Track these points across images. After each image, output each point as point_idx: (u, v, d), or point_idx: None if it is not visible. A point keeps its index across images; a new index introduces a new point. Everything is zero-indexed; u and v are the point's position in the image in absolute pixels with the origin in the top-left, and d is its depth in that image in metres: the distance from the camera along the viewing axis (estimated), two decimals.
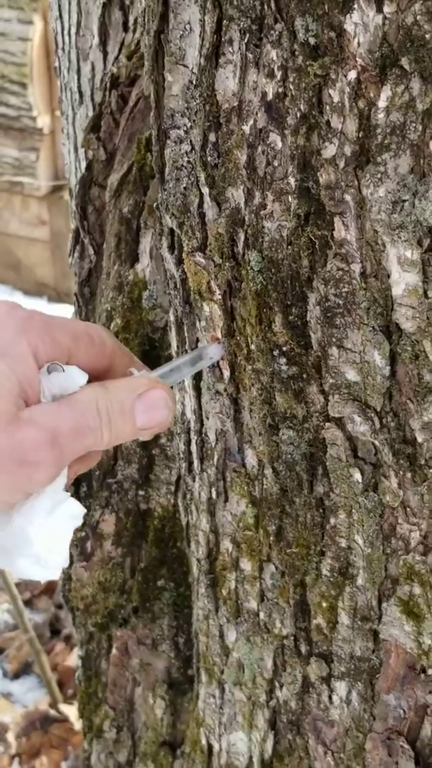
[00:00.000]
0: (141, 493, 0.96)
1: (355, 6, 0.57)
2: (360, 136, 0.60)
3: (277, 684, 0.84)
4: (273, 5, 0.61)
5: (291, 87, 0.62)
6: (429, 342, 0.63)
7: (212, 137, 0.69)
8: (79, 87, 1.04)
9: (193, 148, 0.71)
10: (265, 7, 0.61)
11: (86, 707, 1.09)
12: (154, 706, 1.02)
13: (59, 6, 1.04)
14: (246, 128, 0.66)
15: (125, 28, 0.97)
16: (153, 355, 0.95)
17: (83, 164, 0.99)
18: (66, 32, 1.04)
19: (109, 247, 0.94)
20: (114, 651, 1.04)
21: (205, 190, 0.70)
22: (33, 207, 4.02)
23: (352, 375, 0.68)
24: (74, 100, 1.06)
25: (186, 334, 0.79)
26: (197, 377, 0.79)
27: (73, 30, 1.02)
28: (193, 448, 0.83)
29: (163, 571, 0.97)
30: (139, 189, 0.90)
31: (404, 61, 0.57)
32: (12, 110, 3.76)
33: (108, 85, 0.94)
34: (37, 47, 3.70)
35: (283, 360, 0.70)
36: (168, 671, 1.01)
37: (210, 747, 0.93)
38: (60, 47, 1.07)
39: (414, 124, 0.58)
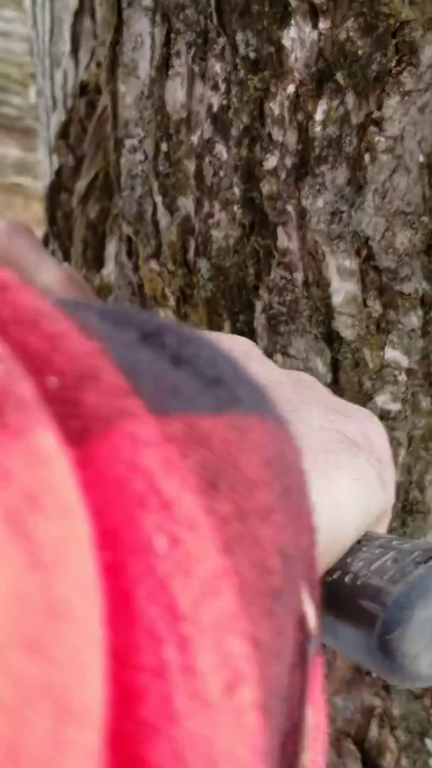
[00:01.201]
0: None
1: (292, 22, 0.58)
2: (299, 148, 0.62)
3: None
4: (215, 20, 0.62)
5: (234, 100, 0.63)
6: (368, 350, 0.64)
7: (164, 147, 0.70)
8: (53, 93, 1.06)
9: (146, 158, 0.72)
10: (209, 21, 0.63)
11: None
12: None
13: (34, 13, 1.06)
14: (194, 139, 0.67)
15: (95, 37, 0.99)
16: None
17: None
18: (40, 39, 1.06)
19: (76, 252, 0.96)
20: None
21: (158, 199, 0.72)
22: (35, 208, 4.04)
23: None
24: (48, 106, 1.07)
25: None
26: None
27: (47, 37, 1.04)
28: None
29: None
30: (104, 195, 0.92)
31: (339, 76, 0.58)
32: (14, 110, 3.79)
33: (78, 92, 0.96)
34: None
35: None
36: None
37: None
38: (35, 53, 1.08)
39: (349, 138, 0.59)
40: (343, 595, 0.35)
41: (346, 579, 0.34)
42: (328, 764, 0.77)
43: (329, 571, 0.35)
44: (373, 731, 0.77)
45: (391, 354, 0.64)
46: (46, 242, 0.99)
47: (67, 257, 0.98)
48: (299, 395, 0.40)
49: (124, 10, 0.70)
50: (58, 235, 0.97)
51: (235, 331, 0.70)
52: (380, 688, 0.76)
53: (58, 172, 0.98)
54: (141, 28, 0.68)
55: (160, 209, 0.72)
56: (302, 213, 0.63)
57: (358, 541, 0.36)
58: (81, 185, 0.94)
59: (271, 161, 0.63)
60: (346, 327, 0.65)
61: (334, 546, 0.35)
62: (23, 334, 0.21)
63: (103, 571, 0.19)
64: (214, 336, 0.48)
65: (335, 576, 0.35)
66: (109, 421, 0.21)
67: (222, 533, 0.21)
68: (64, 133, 0.97)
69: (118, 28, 0.70)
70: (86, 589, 0.18)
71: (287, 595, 0.23)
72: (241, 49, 0.61)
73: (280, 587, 0.23)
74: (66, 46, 1.04)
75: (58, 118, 1.07)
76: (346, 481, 0.35)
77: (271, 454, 0.24)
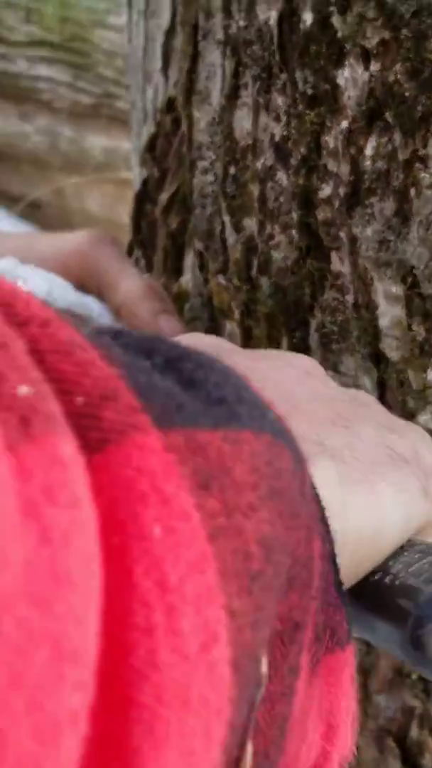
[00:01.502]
0: None
1: (346, 63, 0.62)
2: (352, 179, 0.66)
3: None
4: (278, 57, 0.66)
5: (294, 131, 0.68)
6: (412, 371, 0.68)
7: (232, 170, 0.75)
8: (144, 107, 1.11)
9: (216, 179, 0.77)
10: (272, 58, 0.67)
11: None
12: None
13: (129, 30, 1.11)
14: (258, 165, 0.72)
15: None
16: None
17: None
18: (134, 54, 1.11)
19: (158, 261, 1.01)
20: None
21: (226, 219, 0.77)
22: None
23: None
24: (139, 119, 1.13)
25: None
26: None
27: (140, 53, 1.09)
28: None
29: None
30: (184, 209, 0.97)
31: (387, 115, 0.62)
32: (128, 105, 3.87)
33: (165, 107, 1.01)
34: None
35: None
36: None
37: None
38: (129, 68, 1.14)
39: (396, 173, 0.63)
40: (382, 595, 0.39)
41: (386, 580, 0.38)
42: (369, 760, 0.82)
43: (372, 573, 0.39)
44: (414, 731, 0.81)
45: None
46: (130, 250, 1.04)
47: (149, 264, 1.04)
48: (354, 412, 0.45)
49: (199, 42, 0.75)
50: (142, 243, 1.03)
51: (292, 346, 0.74)
52: (420, 690, 0.80)
53: (145, 183, 1.04)
54: (213, 59, 0.73)
55: (228, 228, 0.77)
56: (353, 240, 0.67)
57: (401, 547, 0.40)
58: (164, 197, 1.00)
59: (326, 190, 0.67)
60: (391, 349, 0.68)
61: (376, 551, 0.40)
62: (60, 361, 0.26)
63: (111, 553, 0.24)
64: (275, 354, 0.53)
65: (376, 577, 0.39)
66: (123, 434, 0.26)
67: (209, 525, 0.27)
68: (151, 146, 1.02)
69: (194, 57, 0.75)
70: (87, 562, 0.23)
71: (268, 577, 0.28)
72: (300, 85, 0.65)
73: (259, 570, 0.28)
74: (157, 63, 1.09)
75: (147, 130, 1.12)
76: (391, 492, 0.40)
77: (260, 462, 0.29)
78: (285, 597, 0.31)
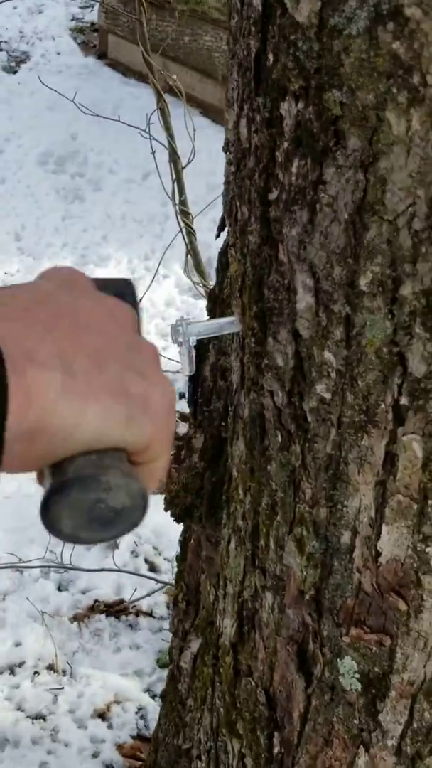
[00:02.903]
0: (223, 424, 1.23)
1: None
2: (288, 188, 0.84)
3: (244, 586, 1.10)
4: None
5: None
6: (317, 348, 0.85)
7: None
8: None
9: None
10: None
11: (177, 581, 1.41)
12: (209, 593, 1.31)
13: None
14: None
15: None
16: None
17: None
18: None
19: None
20: (191, 541, 1.35)
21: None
22: None
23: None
24: None
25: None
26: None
27: None
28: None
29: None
30: None
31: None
32: None
33: None
34: None
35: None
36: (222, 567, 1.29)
37: (215, 624, 1.21)
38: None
39: (308, 190, 0.80)
40: (57, 470, 0.58)
41: (64, 463, 0.56)
42: (283, 661, 1.02)
43: (65, 459, 0.55)
44: (309, 644, 0.99)
45: None
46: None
47: None
48: (110, 347, 0.58)
49: None
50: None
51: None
52: (313, 611, 0.97)
53: None
54: None
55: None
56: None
57: (96, 451, 0.55)
58: None
59: (274, 193, 0.85)
60: (304, 328, 0.86)
61: (69, 444, 0.54)
62: None
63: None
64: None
65: (63, 462, 0.57)
66: None
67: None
68: None
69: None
70: None
71: None
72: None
73: None
74: None
75: None
76: (96, 409, 0.54)
77: None
78: None
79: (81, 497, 0.54)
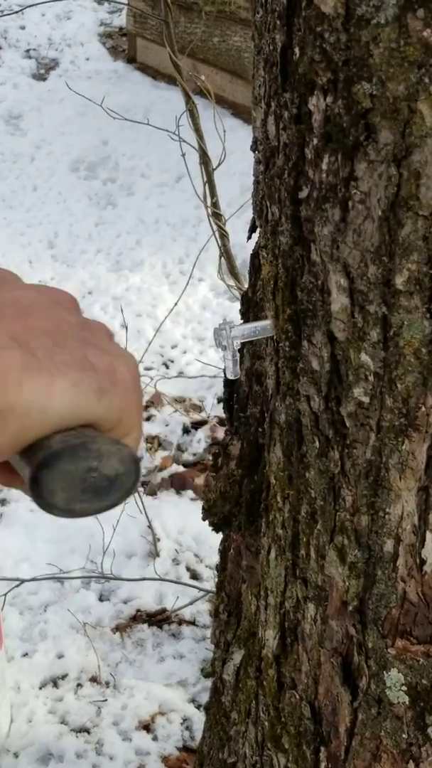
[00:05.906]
0: (260, 430, 1.21)
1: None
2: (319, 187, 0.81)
3: (286, 596, 1.07)
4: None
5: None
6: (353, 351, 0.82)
7: None
8: None
9: None
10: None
11: (217, 591, 1.38)
12: (251, 603, 1.28)
13: None
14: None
15: None
16: None
17: None
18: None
19: None
20: (231, 550, 1.32)
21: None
22: None
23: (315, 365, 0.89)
24: None
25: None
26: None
27: None
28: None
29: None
30: None
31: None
32: None
33: None
34: None
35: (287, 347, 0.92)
36: None
37: (258, 635, 1.18)
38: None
39: (340, 186, 0.77)
40: (34, 448, 0.55)
41: (44, 441, 0.53)
42: (327, 674, 0.99)
43: (41, 438, 0.53)
44: (354, 656, 0.96)
45: None
46: None
47: None
48: (74, 332, 0.57)
49: None
50: None
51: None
52: (357, 622, 0.94)
53: None
54: None
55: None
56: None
57: (72, 429, 0.54)
58: None
59: (304, 191, 0.83)
60: (339, 330, 0.83)
61: (41, 423, 0.52)
62: None
63: None
64: (43, 287, 0.64)
65: (40, 439, 0.53)
66: None
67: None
68: None
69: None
70: None
71: None
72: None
73: None
74: None
75: None
76: (64, 384, 0.53)
77: None
78: None
79: (72, 467, 0.53)
